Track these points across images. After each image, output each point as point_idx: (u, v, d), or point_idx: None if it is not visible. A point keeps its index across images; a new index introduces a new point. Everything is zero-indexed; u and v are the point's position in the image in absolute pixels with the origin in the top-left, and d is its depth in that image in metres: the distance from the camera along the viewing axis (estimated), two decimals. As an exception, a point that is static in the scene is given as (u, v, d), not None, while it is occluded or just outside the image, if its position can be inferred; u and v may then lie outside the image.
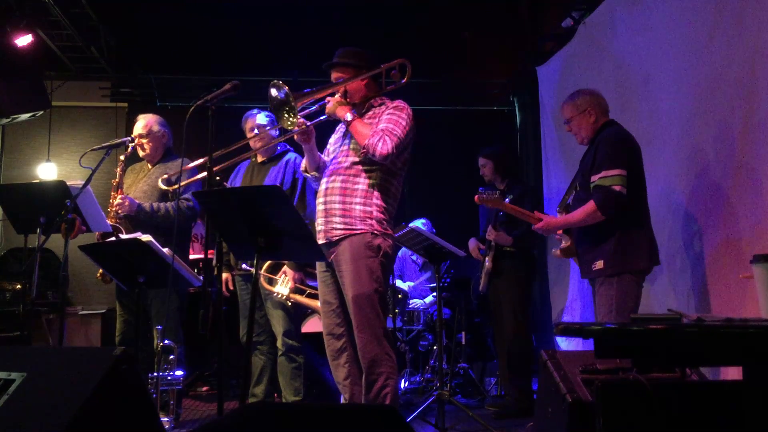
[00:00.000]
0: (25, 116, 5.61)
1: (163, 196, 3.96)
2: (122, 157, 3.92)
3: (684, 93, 3.75)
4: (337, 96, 2.95)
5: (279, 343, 3.74)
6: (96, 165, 3.36)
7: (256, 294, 2.53)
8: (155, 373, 3.39)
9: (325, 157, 3.13)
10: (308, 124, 2.93)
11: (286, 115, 2.78)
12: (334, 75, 3.04)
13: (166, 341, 3.51)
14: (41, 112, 5.69)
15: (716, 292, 3.36)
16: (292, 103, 2.75)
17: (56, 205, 3.22)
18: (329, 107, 2.95)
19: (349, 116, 2.90)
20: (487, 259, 4.32)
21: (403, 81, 2.93)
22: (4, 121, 5.72)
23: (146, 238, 3.02)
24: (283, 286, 3.72)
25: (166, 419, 3.48)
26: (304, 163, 3.12)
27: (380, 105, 3.01)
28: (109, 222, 3.67)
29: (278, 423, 1.56)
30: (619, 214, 2.99)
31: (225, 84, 2.69)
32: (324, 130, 3.27)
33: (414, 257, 5.70)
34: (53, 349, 3.98)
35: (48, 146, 6.49)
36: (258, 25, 6.56)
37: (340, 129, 3.14)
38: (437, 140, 6.43)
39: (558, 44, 5.64)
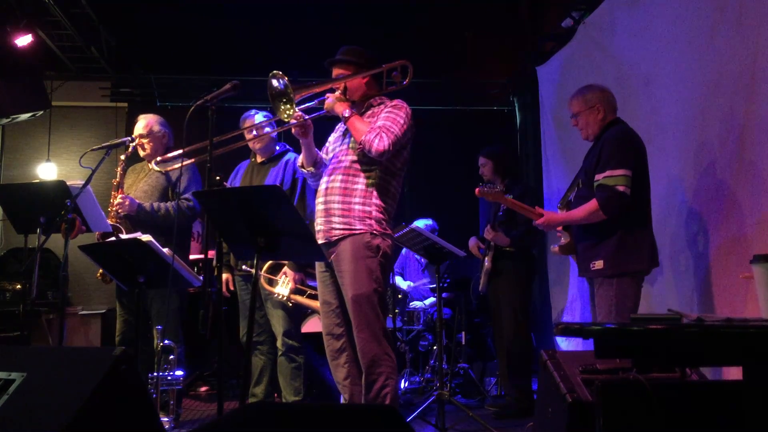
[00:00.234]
0: (25, 116, 5.61)
1: (164, 196, 3.96)
2: (123, 157, 3.92)
3: (684, 93, 3.75)
4: (336, 93, 2.96)
5: (279, 343, 3.74)
6: (96, 165, 3.36)
7: (256, 294, 2.53)
8: (155, 373, 3.39)
9: (324, 155, 3.13)
10: (306, 117, 2.92)
11: (283, 106, 2.77)
12: (335, 72, 3.04)
13: (166, 341, 3.51)
14: (41, 112, 5.70)
15: (719, 291, 3.36)
16: (291, 95, 2.74)
17: (56, 205, 3.22)
18: (328, 103, 2.94)
19: (347, 112, 2.90)
20: (486, 259, 4.32)
21: (405, 82, 2.93)
22: (4, 121, 5.73)
23: (146, 238, 3.02)
24: (283, 286, 3.72)
25: (166, 419, 3.48)
26: (300, 159, 3.10)
27: (379, 104, 3.01)
28: (109, 222, 3.67)
29: (278, 423, 1.56)
30: (622, 215, 2.98)
31: (225, 84, 2.69)
32: (324, 130, 3.27)
33: (418, 257, 5.69)
34: (53, 349, 3.98)
35: (48, 146, 6.49)
36: (258, 25, 6.56)
37: (340, 128, 3.14)
38: (437, 140, 6.43)
39: (558, 44, 5.63)
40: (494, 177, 4.42)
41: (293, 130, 2.95)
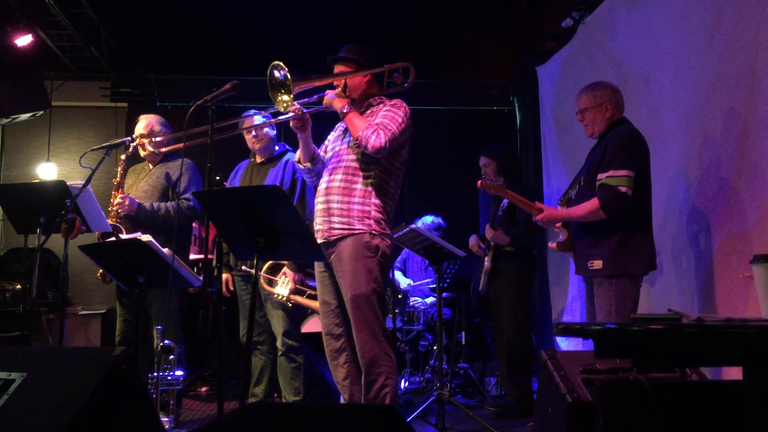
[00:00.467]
0: (25, 116, 5.61)
1: (164, 196, 3.96)
2: (123, 157, 3.92)
3: (684, 93, 3.75)
4: (337, 89, 2.96)
5: (279, 343, 3.74)
6: (96, 165, 3.36)
7: (256, 294, 2.53)
8: (155, 373, 3.39)
9: (322, 153, 3.13)
10: (304, 110, 2.91)
11: (281, 97, 2.77)
12: (337, 69, 3.05)
13: (166, 341, 3.51)
14: (41, 112, 5.70)
15: (720, 291, 3.35)
16: (290, 85, 2.74)
17: (56, 205, 3.22)
18: (327, 98, 2.94)
19: (345, 108, 2.90)
20: (486, 258, 4.32)
21: (406, 85, 2.92)
22: (4, 121, 5.73)
23: (146, 238, 3.02)
24: (283, 287, 3.72)
25: (166, 419, 3.48)
26: (297, 154, 3.09)
27: (379, 104, 3.02)
28: (109, 221, 3.67)
29: (278, 423, 1.56)
30: (623, 216, 2.98)
31: (225, 84, 2.69)
32: (324, 131, 3.27)
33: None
34: (53, 349, 3.98)
35: (48, 146, 6.49)
36: (258, 25, 6.56)
37: (340, 127, 3.14)
38: (437, 140, 6.43)
39: (558, 44, 5.63)
40: (496, 177, 4.42)
41: (291, 124, 2.94)
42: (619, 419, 1.97)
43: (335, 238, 2.88)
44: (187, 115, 2.66)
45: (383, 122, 2.85)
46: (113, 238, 3.51)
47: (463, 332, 5.13)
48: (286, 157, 3.86)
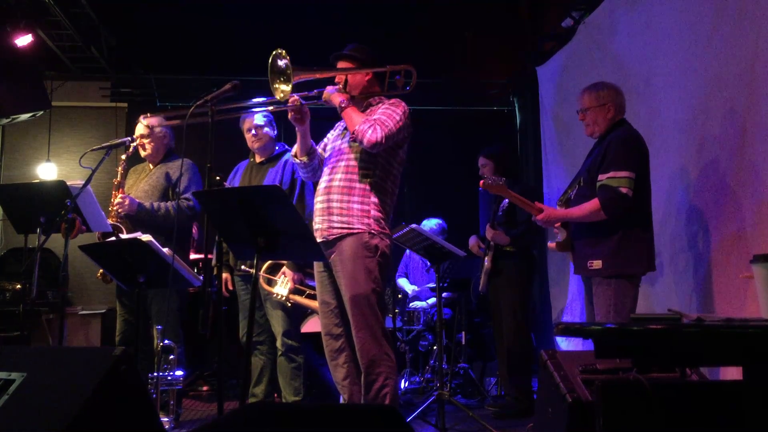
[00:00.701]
0: (25, 116, 5.61)
1: (164, 196, 3.96)
2: (124, 157, 3.92)
3: (684, 93, 3.75)
4: (338, 85, 2.96)
5: (279, 343, 3.74)
6: (96, 165, 3.36)
7: (255, 294, 2.53)
8: (155, 373, 3.39)
9: (321, 151, 3.13)
10: (303, 102, 2.91)
11: (279, 85, 2.76)
12: (339, 66, 3.05)
13: (166, 341, 3.51)
14: (41, 112, 5.69)
15: (719, 291, 3.36)
16: (290, 74, 2.74)
17: (56, 205, 3.22)
18: (326, 92, 2.94)
19: (344, 102, 2.89)
20: (486, 258, 4.32)
21: (408, 89, 2.92)
22: (4, 121, 5.72)
23: (146, 237, 3.02)
24: (282, 287, 3.72)
25: (166, 419, 3.48)
26: (294, 148, 3.08)
27: (378, 104, 3.02)
28: (109, 221, 3.67)
29: (278, 423, 1.56)
30: (623, 216, 2.98)
31: (225, 84, 2.69)
32: (324, 129, 3.27)
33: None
34: (53, 349, 3.99)
35: (48, 146, 6.48)
36: (258, 25, 6.55)
37: (340, 125, 3.14)
38: (437, 140, 6.43)
39: (558, 44, 5.63)
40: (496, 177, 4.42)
41: (290, 116, 2.93)
42: (619, 419, 1.97)
43: (334, 237, 2.88)
44: (187, 115, 2.67)
45: (381, 118, 2.85)
46: (113, 238, 3.51)
47: (463, 332, 5.13)
48: (286, 156, 3.86)
